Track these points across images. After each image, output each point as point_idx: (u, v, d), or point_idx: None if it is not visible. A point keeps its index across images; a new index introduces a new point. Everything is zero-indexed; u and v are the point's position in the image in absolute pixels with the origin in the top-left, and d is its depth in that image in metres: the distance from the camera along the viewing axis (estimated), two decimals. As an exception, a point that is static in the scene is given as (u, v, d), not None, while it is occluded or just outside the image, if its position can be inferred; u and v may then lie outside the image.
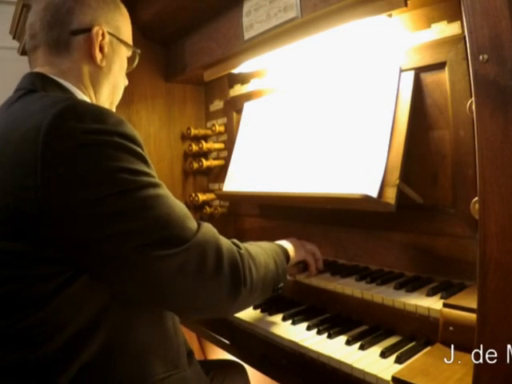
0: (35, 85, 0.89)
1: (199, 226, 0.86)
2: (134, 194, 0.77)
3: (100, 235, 0.74)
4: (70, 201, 0.73)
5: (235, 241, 0.96)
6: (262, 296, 1.01)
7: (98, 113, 0.79)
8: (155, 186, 0.81)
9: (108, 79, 1.02)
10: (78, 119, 0.75)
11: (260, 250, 1.03)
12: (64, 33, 0.94)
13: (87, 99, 0.97)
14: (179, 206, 0.84)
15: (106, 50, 0.98)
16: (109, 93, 1.05)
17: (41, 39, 0.95)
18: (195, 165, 1.89)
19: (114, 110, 1.10)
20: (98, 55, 0.97)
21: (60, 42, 0.94)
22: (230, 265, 0.87)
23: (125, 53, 1.06)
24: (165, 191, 0.83)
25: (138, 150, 0.81)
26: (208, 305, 0.88)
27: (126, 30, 1.06)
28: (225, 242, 0.90)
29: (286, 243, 1.19)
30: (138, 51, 1.11)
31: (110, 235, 0.75)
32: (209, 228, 0.88)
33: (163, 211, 0.79)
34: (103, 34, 0.97)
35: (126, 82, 1.13)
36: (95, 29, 0.95)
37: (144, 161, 0.81)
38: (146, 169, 0.81)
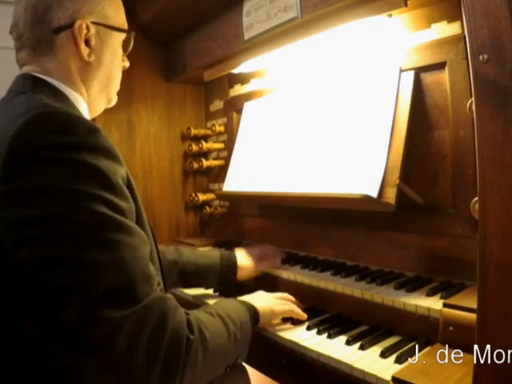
0: (26, 86, 0.87)
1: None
2: (79, 218, 0.71)
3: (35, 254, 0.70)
4: (12, 219, 0.70)
5: (192, 320, 0.81)
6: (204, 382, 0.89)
7: (68, 123, 0.75)
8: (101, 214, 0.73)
9: (99, 72, 0.97)
10: (44, 132, 0.72)
11: (220, 330, 0.89)
12: (45, 32, 0.89)
13: (79, 96, 0.95)
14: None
15: (92, 42, 0.93)
16: (102, 85, 1.00)
17: (24, 41, 0.92)
18: (195, 165, 1.89)
19: (113, 100, 1.07)
20: (85, 50, 0.92)
21: (42, 41, 0.90)
22: (168, 351, 0.74)
23: (117, 38, 1.00)
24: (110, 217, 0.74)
25: (105, 172, 0.75)
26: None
27: (115, 15, 0.99)
28: (175, 322, 0.76)
29: (258, 302, 1.07)
30: (133, 33, 1.05)
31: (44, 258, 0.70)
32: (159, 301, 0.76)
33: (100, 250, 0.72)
34: (88, 27, 0.91)
35: (127, 65, 1.08)
36: (77, 23, 0.90)
37: (106, 184, 0.75)
38: (106, 194, 0.74)
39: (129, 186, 0.84)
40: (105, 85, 1.01)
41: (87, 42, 0.93)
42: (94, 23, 0.93)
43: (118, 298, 0.71)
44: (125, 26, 1.03)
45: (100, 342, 0.70)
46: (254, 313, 1.04)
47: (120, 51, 1.03)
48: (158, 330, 0.73)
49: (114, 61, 1.01)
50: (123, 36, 1.03)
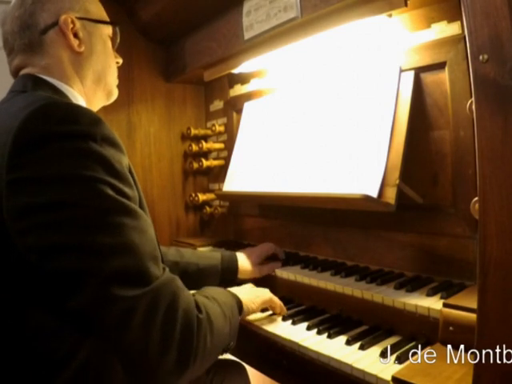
0: (27, 85, 0.89)
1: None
2: (91, 203, 0.72)
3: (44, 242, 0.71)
4: (19, 207, 0.71)
5: (198, 300, 0.84)
6: (208, 365, 0.90)
7: (72, 113, 0.76)
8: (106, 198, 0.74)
9: (92, 61, 1.00)
10: (49, 121, 0.73)
11: (219, 311, 0.90)
12: (34, 35, 0.94)
13: (75, 91, 0.97)
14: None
15: (80, 34, 0.97)
16: (97, 74, 1.02)
17: (16, 49, 0.95)
18: (195, 165, 1.89)
19: (113, 92, 1.08)
20: (75, 41, 0.96)
21: (33, 44, 0.94)
22: (183, 331, 0.75)
23: (104, 31, 1.04)
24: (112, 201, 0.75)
25: (110, 159, 0.76)
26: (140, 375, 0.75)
27: (95, 9, 1.03)
28: (185, 302, 0.77)
29: (240, 294, 1.09)
30: (117, 25, 1.08)
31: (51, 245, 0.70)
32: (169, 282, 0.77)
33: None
34: (73, 21, 0.95)
35: (120, 61, 1.11)
36: (62, 18, 0.94)
37: (112, 170, 0.76)
38: (112, 180, 0.75)
39: (131, 176, 0.85)
40: (100, 74, 1.03)
41: (76, 35, 0.97)
42: (78, 18, 0.97)
43: (130, 279, 0.71)
44: (107, 19, 1.06)
45: (115, 322, 0.70)
46: (238, 301, 1.06)
47: (109, 44, 1.06)
48: (171, 311, 0.74)
49: (105, 50, 1.04)
50: (109, 29, 1.06)
